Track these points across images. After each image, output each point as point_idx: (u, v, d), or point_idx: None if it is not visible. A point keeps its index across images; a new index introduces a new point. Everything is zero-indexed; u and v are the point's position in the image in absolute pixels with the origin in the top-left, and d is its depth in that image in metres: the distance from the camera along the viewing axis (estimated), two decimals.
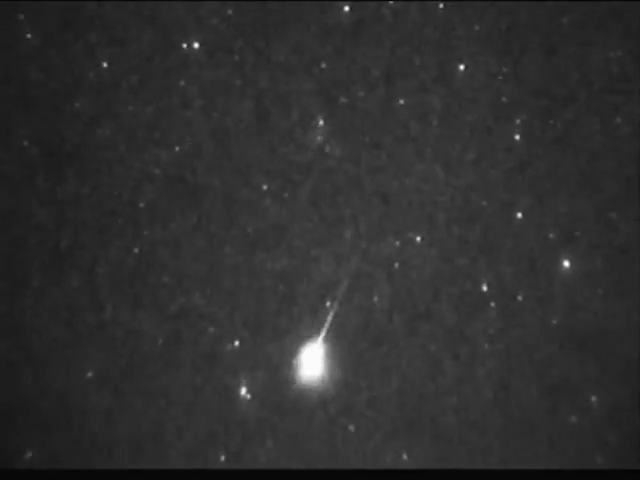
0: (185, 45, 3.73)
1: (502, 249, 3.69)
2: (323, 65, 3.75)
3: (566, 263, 3.67)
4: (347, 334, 3.65)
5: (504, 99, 3.74)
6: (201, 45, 3.73)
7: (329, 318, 3.62)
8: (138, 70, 3.71)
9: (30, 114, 3.68)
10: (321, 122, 3.74)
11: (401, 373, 3.63)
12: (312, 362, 3.63)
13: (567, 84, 3.73)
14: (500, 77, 3.74)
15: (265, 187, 3.70)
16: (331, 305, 3.63)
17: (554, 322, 3.65)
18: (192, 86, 3.72)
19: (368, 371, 3.64)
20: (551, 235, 3.68)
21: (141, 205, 3.68)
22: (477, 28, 3.75)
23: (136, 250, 3.66)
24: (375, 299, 3.66)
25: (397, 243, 3.69)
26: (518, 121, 3.73)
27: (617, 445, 3.58)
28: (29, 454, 3.54)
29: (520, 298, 3.66)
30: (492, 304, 3.67)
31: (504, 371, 3.64)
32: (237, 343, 3.63)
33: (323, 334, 3.62)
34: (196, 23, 3.73)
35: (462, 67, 3.74)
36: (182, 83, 3.72)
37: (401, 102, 3.74)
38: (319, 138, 3.73)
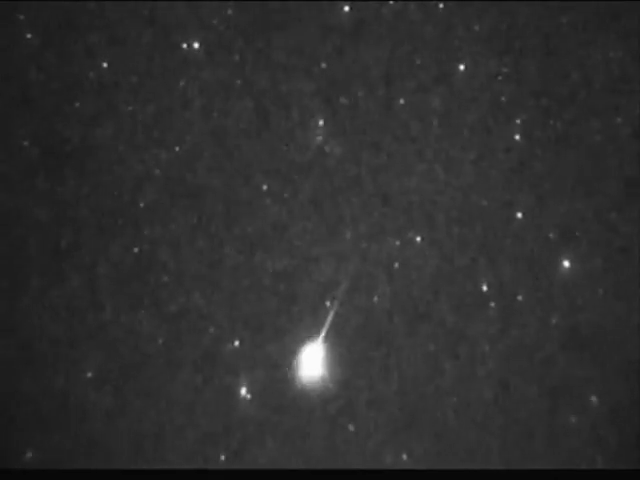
0: (185, 45, 3.73)
1: (502, 249, 3.69)
2: (323, 65, 3.75)
3: (566, 263, 3.67)
4: (347, 334, 3.65)
5: (504, 99, 3.74)
6: (201, 45, 3.73)
7: (329, 318, 3.62)
8: (138, 70, 3.71)
9: (30, 114, 3.68)
10: (321, 122, 3.73)
11: (401, 373, 3.63)
12: (312, 362, 3.63)
13: (567, 84, 3.73)
14: (500, 77, 3.74)
15: (265, 187, 3.70)
16: (331, 305, 3.63)
17: (554, 322, 3.65)
18: (192, 86, 3.72)
19: (368, 371, 3.64)
20: (551, 235, 3.68)
21: (141, 205, 3.68)
22: (477, 28, 3.75)
23: (136, 250, 3.66)
24: (375, 299, 3.66)
25: (397, 243, 3.69)
26: (518, 121, 3.73)
27: (617, 445, 3.58)
28: (29, 454, 3.54)
29: (520, 298, 3.66)
30: (492, 304, 3.67)
31: (504, 371, 3.64)
32: (237, 343, 3.63)
33: (323, 334, 3.62)
34: (196, 23, 3.73)
35: (462, 67, 3.74)
36: (182, 83, 3.72)
37: (401, 102, 3.74)
38: (319, 138, 3.73)
